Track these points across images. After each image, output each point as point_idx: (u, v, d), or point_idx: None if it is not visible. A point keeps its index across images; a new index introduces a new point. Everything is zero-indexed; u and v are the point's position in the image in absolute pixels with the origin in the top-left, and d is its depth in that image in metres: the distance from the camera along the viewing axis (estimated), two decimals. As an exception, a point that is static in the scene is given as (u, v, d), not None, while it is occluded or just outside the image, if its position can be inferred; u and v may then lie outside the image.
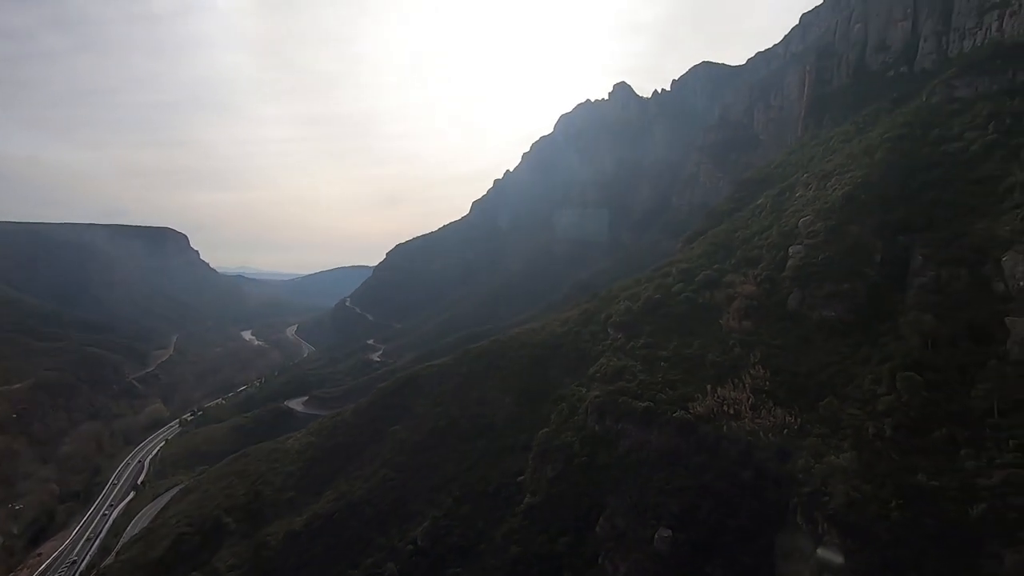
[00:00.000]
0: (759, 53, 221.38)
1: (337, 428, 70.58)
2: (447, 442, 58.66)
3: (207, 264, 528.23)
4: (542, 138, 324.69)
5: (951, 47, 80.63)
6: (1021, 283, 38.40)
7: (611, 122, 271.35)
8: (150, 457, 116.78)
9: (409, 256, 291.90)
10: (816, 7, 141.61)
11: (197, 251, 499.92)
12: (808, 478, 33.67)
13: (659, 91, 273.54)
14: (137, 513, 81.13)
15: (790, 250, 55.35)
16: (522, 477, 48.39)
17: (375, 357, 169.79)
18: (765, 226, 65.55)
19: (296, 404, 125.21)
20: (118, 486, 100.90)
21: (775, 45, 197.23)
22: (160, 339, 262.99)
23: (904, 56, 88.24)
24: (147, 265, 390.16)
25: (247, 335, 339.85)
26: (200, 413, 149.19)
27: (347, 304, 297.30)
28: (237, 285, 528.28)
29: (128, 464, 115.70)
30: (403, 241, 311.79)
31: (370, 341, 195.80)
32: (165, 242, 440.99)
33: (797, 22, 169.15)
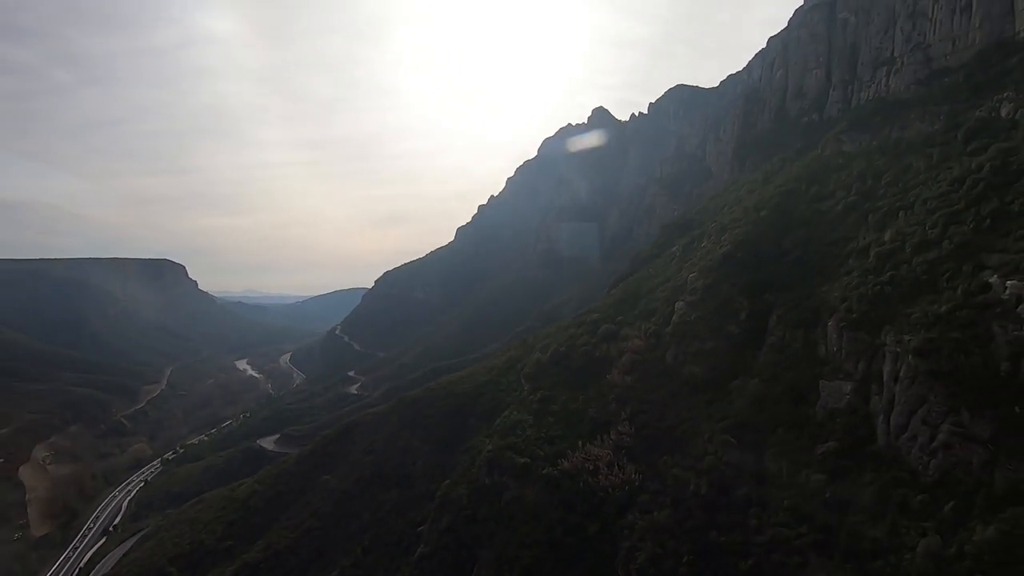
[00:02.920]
0: (730, 76, 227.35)
1: (280, 476, 75.26)
2: (370, 491, 63.26)
3: (206, 293, 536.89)
4: (526, 162, 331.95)
5: (854, 96, 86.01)
6: (835, 348, 43.07)
7: (587, 148, 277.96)
8: (128, 499, 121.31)
9: (396, 283, 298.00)
10: (762, 49, 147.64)
11: (196, 281, 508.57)
12: (630, 533, 38.26)
13: (636, 115, 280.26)
14: (101, 560, 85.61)
15: (676, 305, 60.19)
16: (422, 527, 52.98)
17: (353, 390, 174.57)
18: (668, 277, 70.49)
19: (268, 442, 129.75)
20: (92, 531, 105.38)
21: (741, 70, 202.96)
22: (153, 374, 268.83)
23: (817, 103, 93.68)
24: (144, 298, 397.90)
25: (242, 364, 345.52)
26: (182, 451, 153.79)
27: (336, 332, 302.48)
28: (235, 313, 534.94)
29: (106, 507, 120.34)
30: (390, 269, 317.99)
31: (351, 372, 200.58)
32: (163, 273, 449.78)
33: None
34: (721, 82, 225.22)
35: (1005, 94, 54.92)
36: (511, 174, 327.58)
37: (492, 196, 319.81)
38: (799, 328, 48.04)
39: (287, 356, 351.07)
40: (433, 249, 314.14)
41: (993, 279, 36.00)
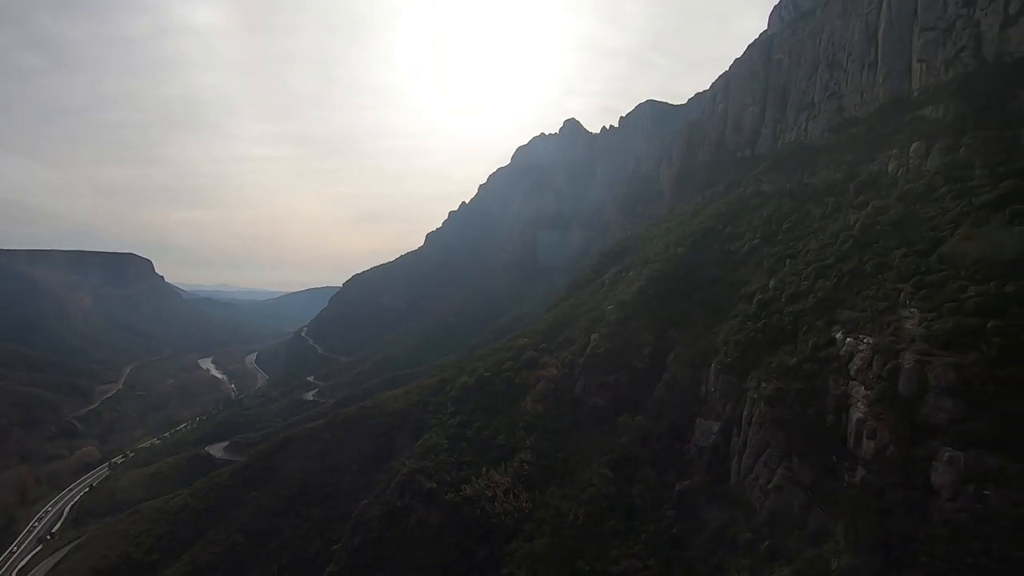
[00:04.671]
0: (697, 94, 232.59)
1: (212, 490, 76.63)
2: (295, 508, 65.33)
3: (174, 288, 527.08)
4: (499, 169, 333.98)
5: (781, 136, 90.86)
6: (712, 389, 46.81)
7: (559, 159, 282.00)
8: (70, 505, 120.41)
9: (363, 287, 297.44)
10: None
11: (163, 276, 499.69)
12: (510, 560, 41.31)
13: (607, 127, 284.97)
14: (32, 570, 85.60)
15: (591, 336, 63.69)
16: (336, 547, 55.32)
17: (309, 396, 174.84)
18: (593, 307, 74.03)
19: (217, 449, 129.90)
20: (29, 538, 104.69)
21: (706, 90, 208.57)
22: (111, 373, 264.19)
23: (751, 139, 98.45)
24: (106, 293, 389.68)
25: (206, 364, 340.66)
26: (131, 455, 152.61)
27: (302, 335, 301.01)
28: (203, 311, 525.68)
29: (48, 512, 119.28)
30: (359, 272, 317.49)
31: (310, 378, 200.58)
32: (127, 268, 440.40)
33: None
34: (689, 100, 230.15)
35: (893, 151, 59.57)
36: (484, 181, 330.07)
37: (464, 202, 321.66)
38: (690, 367, 51.80)
39: (253, 356, 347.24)
40: (403, 253, 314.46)
41: (838, 335, 40.02)
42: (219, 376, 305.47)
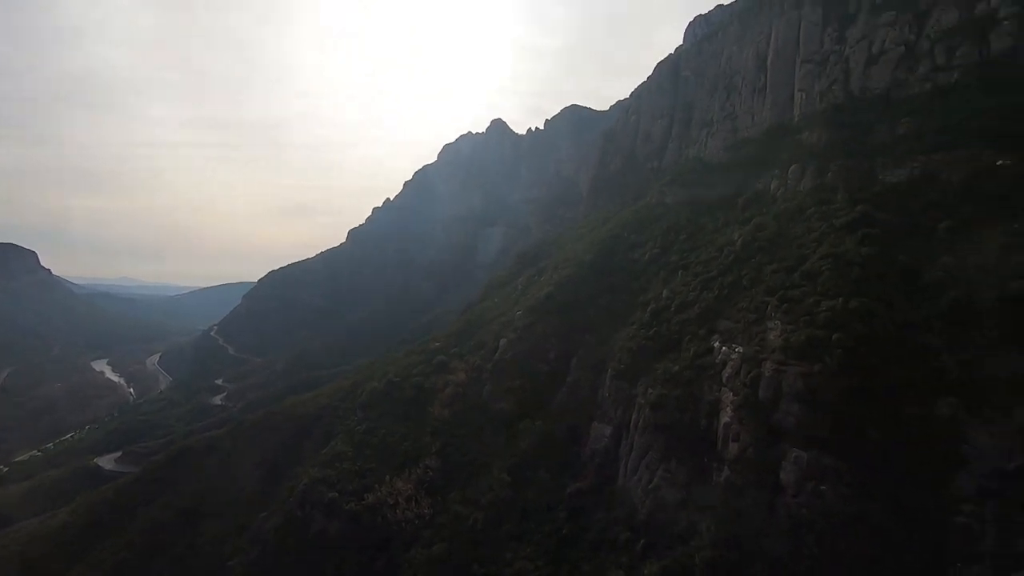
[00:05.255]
0: (618, 101, 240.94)
1: (97, 506, 71.30)
2: (192, 521, 62.11)
3: (64, 282, 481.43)
4: (425, 167, 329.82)
5: (685, 151, 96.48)
6: (607, 394, 49.38)
7: (485, 159, 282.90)
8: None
9: (280, 284, 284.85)
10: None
11: (49, 269, 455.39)
12: (409, 568, 41.74)
13: (532, 129, 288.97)
14: None
15: (500, 341, 65.04)
16: (232, 561, 53.31)
17: (217, 400, 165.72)
18: (504, 311, 75.52)
19: (108, 461, 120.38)
20: None
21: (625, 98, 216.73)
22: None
23: (659, 152, 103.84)
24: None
25: (101, 366, 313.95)
26: (5, 470, 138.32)
27: (212, 333, 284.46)
28: (99, 306, 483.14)
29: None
30: (275, 268, 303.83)
31: (218, 380, 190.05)
32: (7, 260, 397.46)
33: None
34: (610, 107, 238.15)
35: (775, 171, 65.08)
36: (409, 177, 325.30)
37: (388, 199, 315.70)
38: (591, 372, 54.28)
39: (156, 357, 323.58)
40: (317, 253, 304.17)
41: (716, 344, 43.52)
42: (116, 379, 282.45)
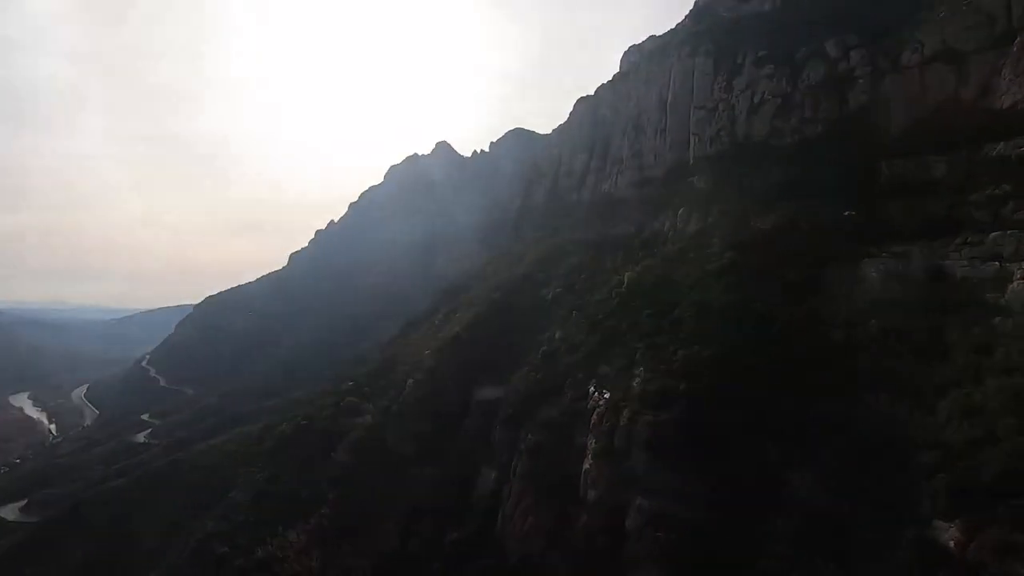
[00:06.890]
0: (560, 125, 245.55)
1: (-20, 569, 67.17)
2: (81, 582, 59.45)
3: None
4: (371, 188, 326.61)
5: (600, 186, 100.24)
6: (498, 438, 50.77)
7: (430, 181, 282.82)
8: None
9: (217, 311, 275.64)
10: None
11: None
12: (289, 627, 41.53)
13: (478, 152, 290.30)
14: None
15: (407, 382, 65.67)
16: (117, 625, 51.44)
17: (141, 438, 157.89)
18: (420, 348, 76.19)
19: (10, 511, 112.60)
20: None
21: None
22: None
23: (579, 186, 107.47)
24: None
25: (20, 400, 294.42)
26: None
27: (143, 364, 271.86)
28: (20, 334, 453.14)
29: None
30: (212, 294, 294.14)
31: (145, 416, 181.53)
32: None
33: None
34: (553, 130, 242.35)
35: (669, 213, 68.92)
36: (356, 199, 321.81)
37: (332, 220, 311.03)
38: (484, 416, 55.56)
39: (83, 390, 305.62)
40: (257, 278, 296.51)
41: (591, 389, 45.64)
42: (36, 415, 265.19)
